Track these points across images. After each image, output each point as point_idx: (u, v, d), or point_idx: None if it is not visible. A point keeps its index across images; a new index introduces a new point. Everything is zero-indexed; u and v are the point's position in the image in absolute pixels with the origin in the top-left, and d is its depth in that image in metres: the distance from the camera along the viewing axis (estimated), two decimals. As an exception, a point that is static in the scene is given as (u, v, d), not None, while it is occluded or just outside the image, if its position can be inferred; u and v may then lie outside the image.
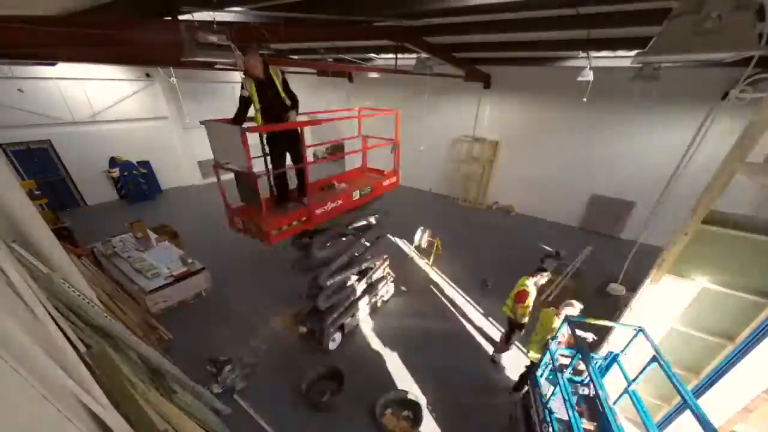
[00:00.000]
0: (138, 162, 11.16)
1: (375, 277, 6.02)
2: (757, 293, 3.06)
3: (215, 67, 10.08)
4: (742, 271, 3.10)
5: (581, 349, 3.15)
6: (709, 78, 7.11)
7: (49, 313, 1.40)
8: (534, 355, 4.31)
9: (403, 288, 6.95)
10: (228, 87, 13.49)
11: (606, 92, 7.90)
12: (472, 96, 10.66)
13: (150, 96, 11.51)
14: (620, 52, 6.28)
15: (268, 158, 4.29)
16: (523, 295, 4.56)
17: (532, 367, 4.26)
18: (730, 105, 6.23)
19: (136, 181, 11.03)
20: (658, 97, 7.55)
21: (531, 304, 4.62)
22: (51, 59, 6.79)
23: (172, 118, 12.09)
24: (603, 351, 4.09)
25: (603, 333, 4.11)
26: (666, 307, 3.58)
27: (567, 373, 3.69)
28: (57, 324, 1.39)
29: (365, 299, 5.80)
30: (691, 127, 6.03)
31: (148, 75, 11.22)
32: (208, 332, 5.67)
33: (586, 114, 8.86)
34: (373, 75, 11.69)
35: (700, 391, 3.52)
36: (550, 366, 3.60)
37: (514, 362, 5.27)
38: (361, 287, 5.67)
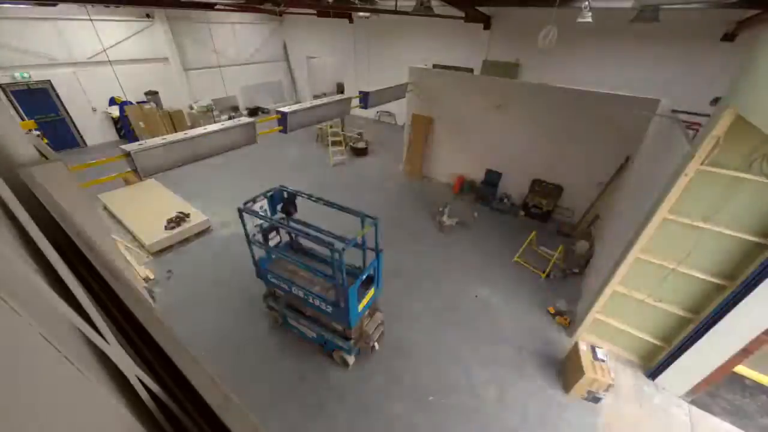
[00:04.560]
0: (138, 102, 10.74)
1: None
2: (758, 235, 3.06)
3: (215, 7, 9.19)
4: (743, 213, 3.09)
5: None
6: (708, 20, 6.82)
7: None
8: None
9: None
10: (228, 27, 12.84)
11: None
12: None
13: (150, 37, 11.08)
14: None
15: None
16: None
17: None
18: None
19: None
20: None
21: None
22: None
23: (172, 59, 11.65)
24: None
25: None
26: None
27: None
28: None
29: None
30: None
31: (148, 16, 10.74)
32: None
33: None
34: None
35: (700, 331, 3.49)
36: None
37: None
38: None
